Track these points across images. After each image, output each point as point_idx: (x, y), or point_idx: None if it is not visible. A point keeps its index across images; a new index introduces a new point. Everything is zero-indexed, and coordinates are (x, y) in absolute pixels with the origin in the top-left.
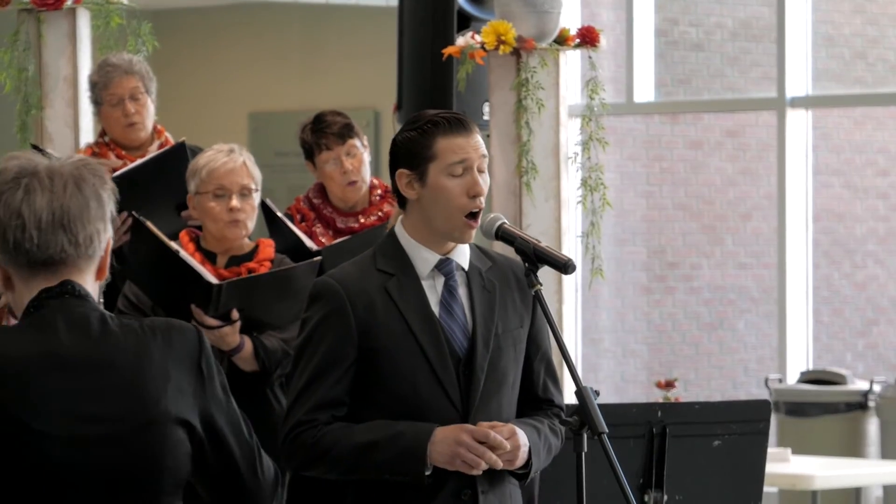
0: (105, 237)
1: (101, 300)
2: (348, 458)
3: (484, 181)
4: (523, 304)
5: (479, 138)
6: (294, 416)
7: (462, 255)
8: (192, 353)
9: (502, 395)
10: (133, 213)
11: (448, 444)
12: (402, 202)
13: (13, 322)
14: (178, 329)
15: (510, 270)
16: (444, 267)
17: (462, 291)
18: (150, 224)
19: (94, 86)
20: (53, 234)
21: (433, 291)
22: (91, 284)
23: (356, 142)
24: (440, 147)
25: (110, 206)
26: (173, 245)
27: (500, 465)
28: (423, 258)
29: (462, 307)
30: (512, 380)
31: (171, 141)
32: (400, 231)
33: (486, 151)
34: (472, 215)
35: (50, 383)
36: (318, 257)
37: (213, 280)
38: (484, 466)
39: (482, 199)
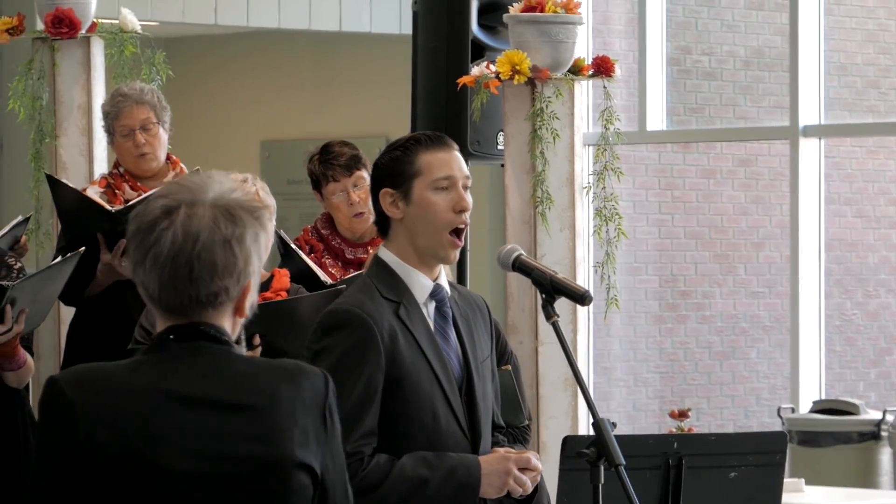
0: (240, 285)
1: (241, 336)
2: (400, 493)
3: (468, 199)
4: (486, 333)
5: (460, 156)
6: None
7: (444, 281)
8: (318, 400)
9: (489, 421)
10: None
11: (498, 475)
12: (385, 228)
13: None
14: (307, 373)
15: (473, 300)
16: (438, 293)
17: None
18: None
19: (106, 116)
20: (174, 289)
21: (428, 318)
22: (227, 323)
23: (363, 173)
24: (423, 162)
25: (257, 247)
26: None
27: (531, 489)
28: (421, 284)
29: (453, 334)
30: (492, 406)
31: (186, 171)
32: (388, 256)
33: (468, 172)
34: (457, 233)
35: (174, 420)
36: (343, 286)
37: None
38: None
39: (467, 216)
